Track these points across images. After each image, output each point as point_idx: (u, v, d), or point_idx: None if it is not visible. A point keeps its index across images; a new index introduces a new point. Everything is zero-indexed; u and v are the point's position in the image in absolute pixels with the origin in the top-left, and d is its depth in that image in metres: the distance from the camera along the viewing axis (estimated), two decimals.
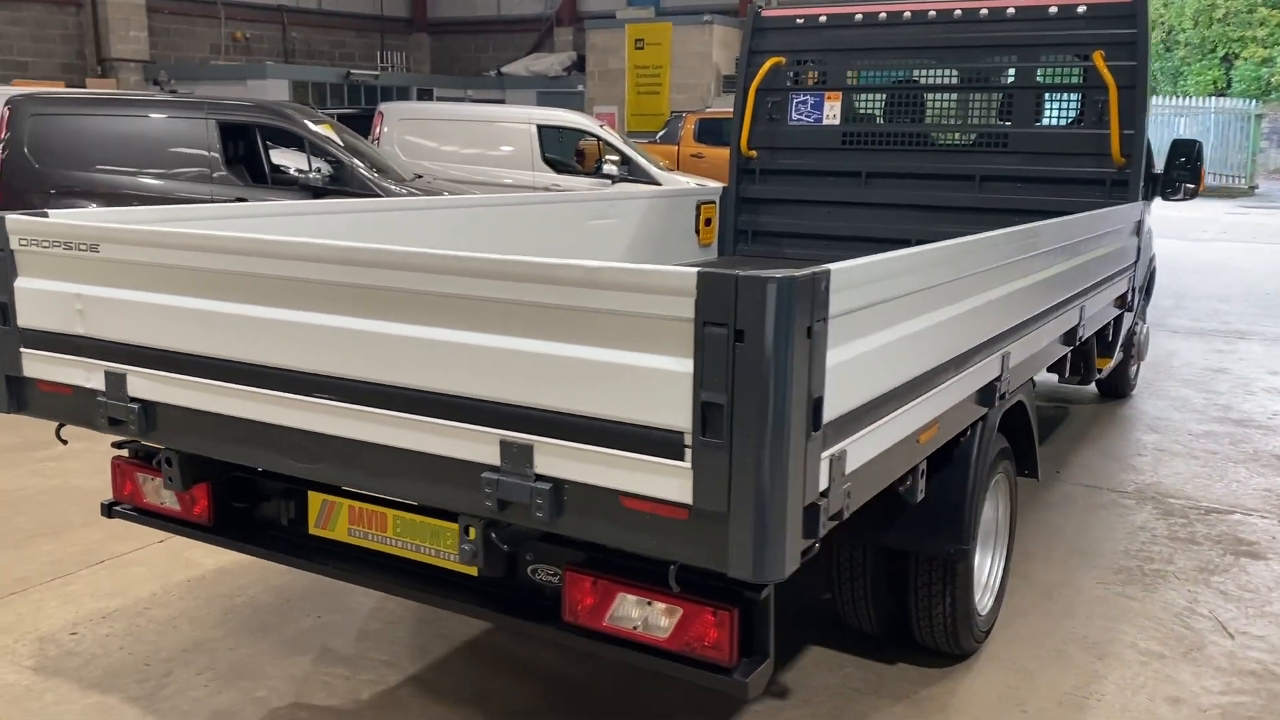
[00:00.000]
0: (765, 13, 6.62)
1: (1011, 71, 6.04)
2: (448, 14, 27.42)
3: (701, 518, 1.98)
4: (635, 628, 2.37)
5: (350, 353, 2.33)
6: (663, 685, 3.37)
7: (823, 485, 2.08)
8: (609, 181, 12.70)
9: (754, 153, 6.72)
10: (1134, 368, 7.36)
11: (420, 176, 11.60)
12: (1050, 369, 5.59)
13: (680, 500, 1.99)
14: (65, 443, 3.08)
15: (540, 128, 13.24)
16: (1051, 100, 5.94)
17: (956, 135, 6.25)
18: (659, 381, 1.96)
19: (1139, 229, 5.70)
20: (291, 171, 10.26)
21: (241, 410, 2.54)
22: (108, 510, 3.22)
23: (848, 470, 2.18)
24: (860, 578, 3.49)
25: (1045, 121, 5.97)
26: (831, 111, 6.54)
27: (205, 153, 9.90)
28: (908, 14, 6.20)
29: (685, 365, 1.94)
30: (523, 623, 2.54)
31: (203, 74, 20.59)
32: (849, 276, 2.05)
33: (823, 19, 6.44)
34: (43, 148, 9.86)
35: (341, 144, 10.18)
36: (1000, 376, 3.24)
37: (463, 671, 3.54)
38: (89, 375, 2.80)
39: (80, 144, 9.92)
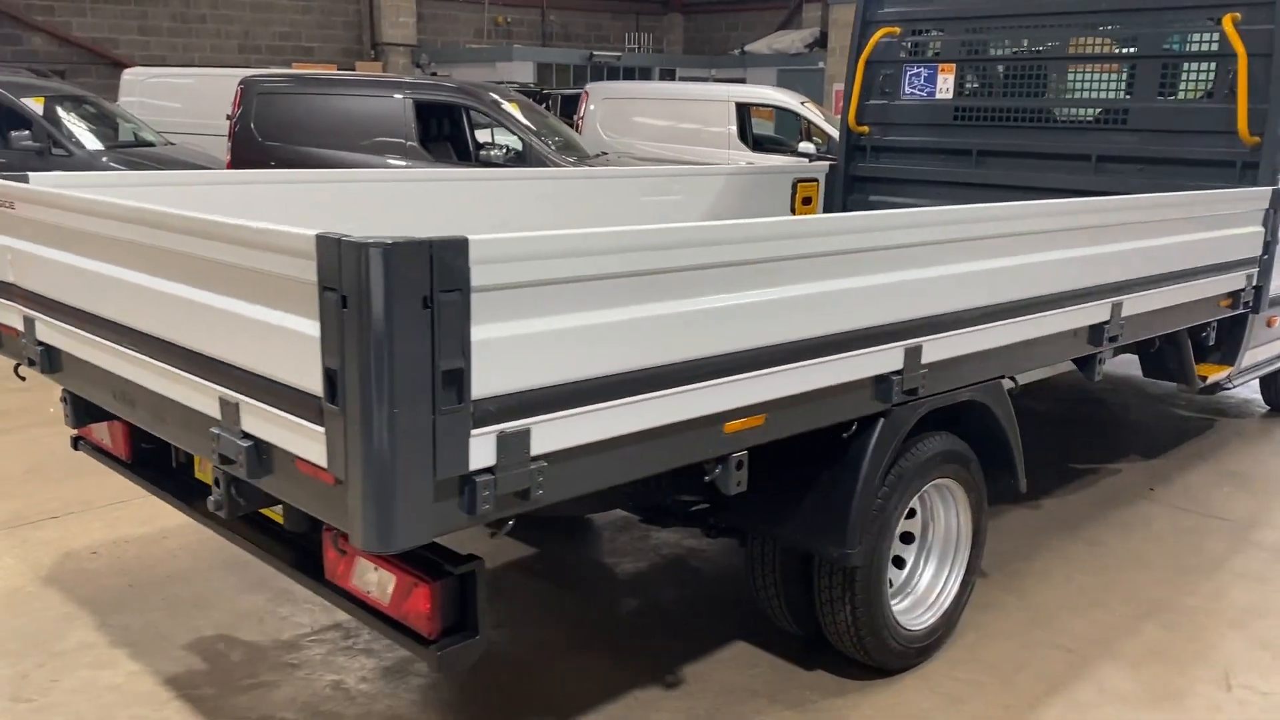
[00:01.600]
0: None
1: (1135, 39, 5.38)
2: None
3: (339, 483, 1.98)
4: (370, 591, 2.40)
5: (128, 303, 2.50)
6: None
7: (483, 462, 2.02)
8: (806, 160, 12.39)
9: (866, 129, 6.40)
10: None
11: (605, 154, 11.88)
12: (1148, 368, 5.04)
13: (320, 464, 2.00)
14: (24, 379, 3.46)
15: (740, 105, 13.13)
16: (1177, 71, 5.24)
17: (1072, 110, 5.65)
18: (299, 344, 1.98)
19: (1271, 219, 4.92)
20: (479, 148, 10.76)
21: (90, 356, 2.78)
22: (74, 443, 3.59)
23: (535, 450, 2.10)
24: (771, 573, 3.31)
25: (1170, 95, 5.28)
26: (945, 85, 6.11)
27: (401, 129, 10.55)
28: None
29: (315, 329, 1.95)
30: (302, 576, 2.62)
31: (459, 57, 21.91)
32: (493, 250, 1.96)
33: None
34: (265, 124, 10.87)
35: (525, 122, 10.58)
36: (901, 372, 2.95)
37: None
38: (15, 319, 3.14)
39: (296, 121, 10.87)
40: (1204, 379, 4.98)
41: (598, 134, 13.50)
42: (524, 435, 2.08)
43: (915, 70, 6.20)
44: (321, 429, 1.98)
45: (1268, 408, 6.41)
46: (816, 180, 6.42)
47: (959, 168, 6.03)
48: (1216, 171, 5.11)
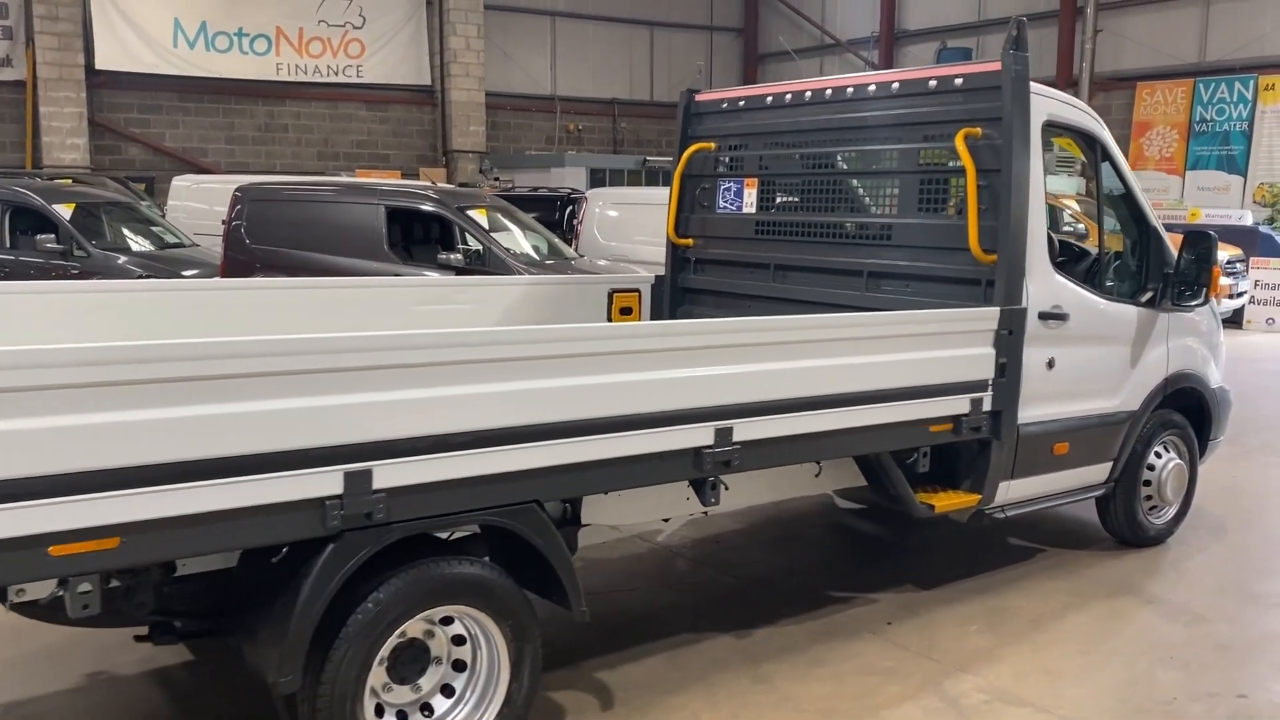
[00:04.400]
0: (699, 96, 6.34)
1: (893, 155, 5.29)
2: None
3: None
4: None
5: None
6: None
7: None
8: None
9: (690, 240, 6.42)
10: (1166, 509, 5.93)
11: (583, 257, 12.14)
12: (873, 492, 4.85)
13: None
14: None
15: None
16: (934, 187, 5.12)
17: (848, 226, 5.56)
18: None
19: (996, 340, 4.66)
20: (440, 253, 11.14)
21: None
22: None
23: None
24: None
25: (926, 210, 5.14)
26: (750, 199, 6.10)
27: (373, 234, 11.05)
28: (808, 94, 5.67)
29: None
30: None
31: (521, 163, 22.79)
32: None
33: (742, 102, 6.05)
34: (255, 229, 11.55)
35: (486, 228, 10.96)
36: (342, 497, 2.97)
37: None
38: None
39: (283, 226, 11.52)
40: (931, 506, 4.73)
41: (594, 238, 13.81)
42: None
43: (727, 184, 6.22)
44: None
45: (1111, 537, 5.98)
46: (638, 291, 6.45)
47: (762, 281, 5.99)
48: (962, 289, 4.94)
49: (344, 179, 16.42)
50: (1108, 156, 5.39)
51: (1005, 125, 4.68)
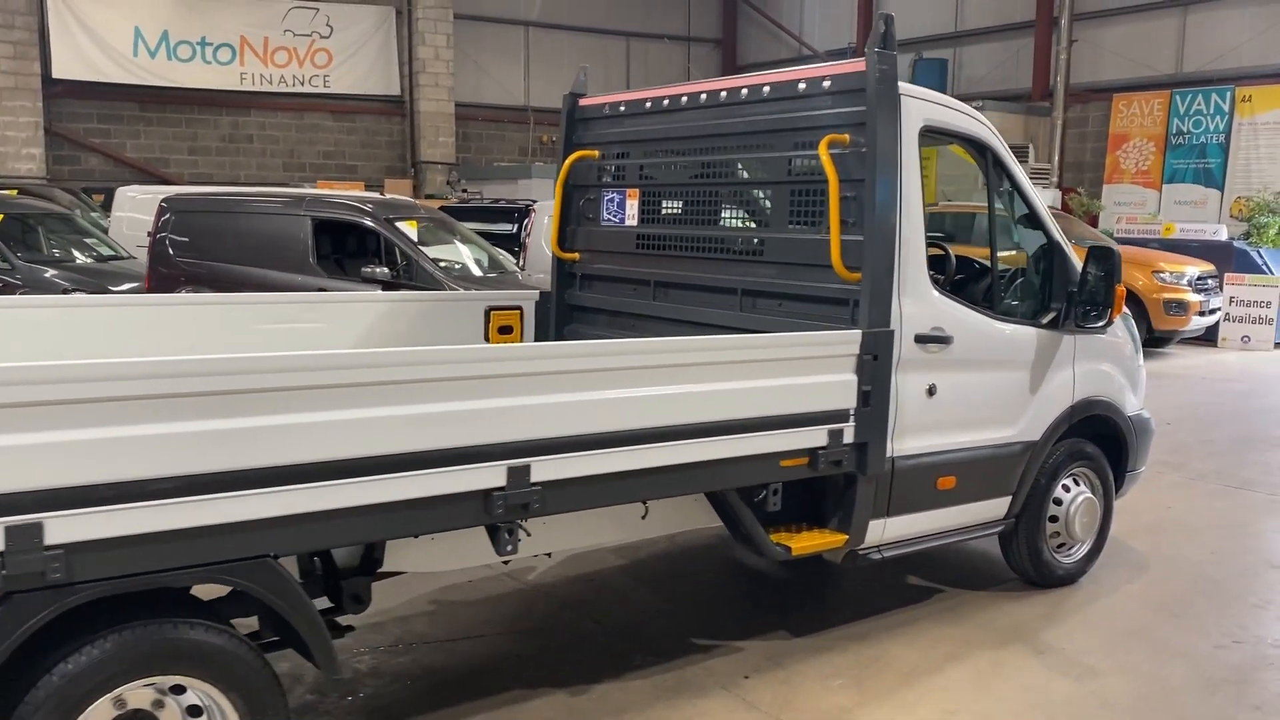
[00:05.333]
0: (583, 101, 5.93)
1: (765, 163, 4.88)
2: None
3: None
4: None
5: None
6: None
7: None
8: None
9: (575, 255, 6.01)
10: (1076, 547, 5.49)
11: (524, 271, 11.75)
12: (731, 533, 4.41)
13: None
14: None
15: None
16: (802, 198, 4.70)
17: (723, 240, 5.15)
18: None
19: (860, 366, 4.23)
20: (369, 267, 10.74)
21: None
22: None
23: None
24: None
25: (797, 224, 4.73)
26: (631, 211, 5.69)
27: (299, 247, 10.66)
28: (685, 99, 5.27)
29: None
30: None
31: (490, 174, 22.43)
32: None
33: (622, 107, 5.65)
34: (179, 242, 11.18)
35: (414, 241, 10.57)
36: (3, 554, 2.54)
37: None
38: None
39: (207, 238, 11.16)
40: (787, 549, 4.29)
41: (542, 250, 13.39)
42: None
43: (610, 195, 5.81)
44: None
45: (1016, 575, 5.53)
46: (519, 309, 6.03)
47: (644, 299, 5.58)
48: (830, 309, 4.53)
49: (285, 190, 15.99)
50: (1001, 165, 4.98)
51: (870, 131, 4.27)
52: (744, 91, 4.93)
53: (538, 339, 6.05)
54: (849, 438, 4.26)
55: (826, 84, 4.53)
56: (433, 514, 3.26)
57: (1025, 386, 5.06)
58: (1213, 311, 15.06)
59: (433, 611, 5.01)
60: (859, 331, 4.23)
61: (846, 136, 4.39)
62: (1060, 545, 5.45)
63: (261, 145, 22.14)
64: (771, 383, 3.98)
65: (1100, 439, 5.56)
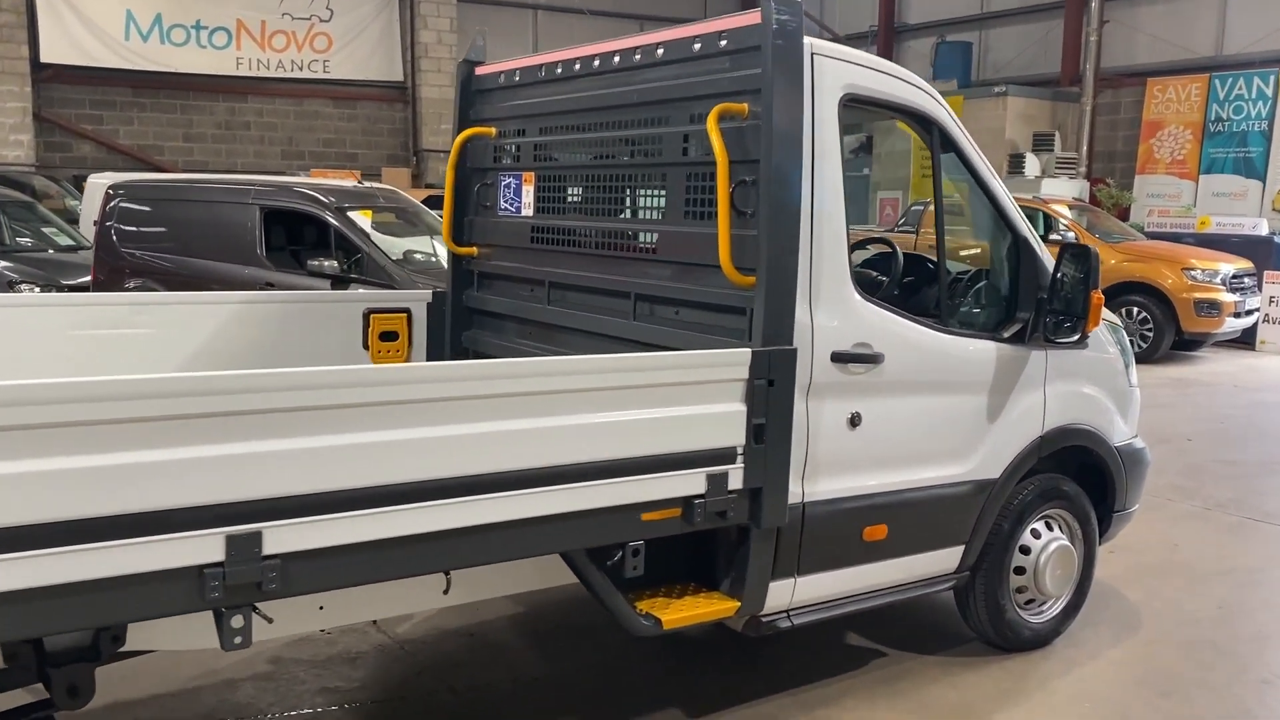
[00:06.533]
0: (479, 70, 5.10)
1: (658, 140, 4.01)
2: None
3: None
4: None
5: None
6: None
7: None
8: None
9: (473, 250, 5.18)
10: (1049, 603, 4.59)
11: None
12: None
13: None
14: None
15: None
16: (700, 183, 3.83)
17: (617, 234, 4.29)
18: None
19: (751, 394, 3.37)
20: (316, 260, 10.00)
21: None
22: None
23: None
24: None
25: (693, 215, 3.86)
26: (528, 198, 4.85)
27: (248, 237, 9.96)
28: (578, 64, 4.42)
29: None
30: None
31: None
32: None
33: (518, 75, 4.81)
34: (125, 231, 10.50)
35: (367, 232, 9.81)
36: None
37: None
38: None
39: (154, 227, 10.51)
40: (657, 621, 3.43)
41: None
42: None
43: (507, 180, 4.97)
44: None
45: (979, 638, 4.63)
46: (405, 312, 5.20)
47: (539, 304, 4.74)
48: (736, 319, 3.66)
49: (236, 177, 15.11)
50: (950, 145, 4.07)
51: (767, 97, 3.40)
52: (637, 55, 4.07)
53: (432, 348, 5.24)
54: (736, 482, 3.39)
55: (723, 42, 3.66)
56: (123, 599, 2.45)
57: (980, 413, 4.16)
58: (1250, 312, 13.91)
59: (268, 675, 4.22)
60: (748, 350, 3.36)
61: (744, 106, 3.52)
62: (1028, 602, 4.54)
63: (259, 132, 21.48)
64: (625, 416, 3.13)
65: (1081, 474, 4.66)
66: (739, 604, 3.58)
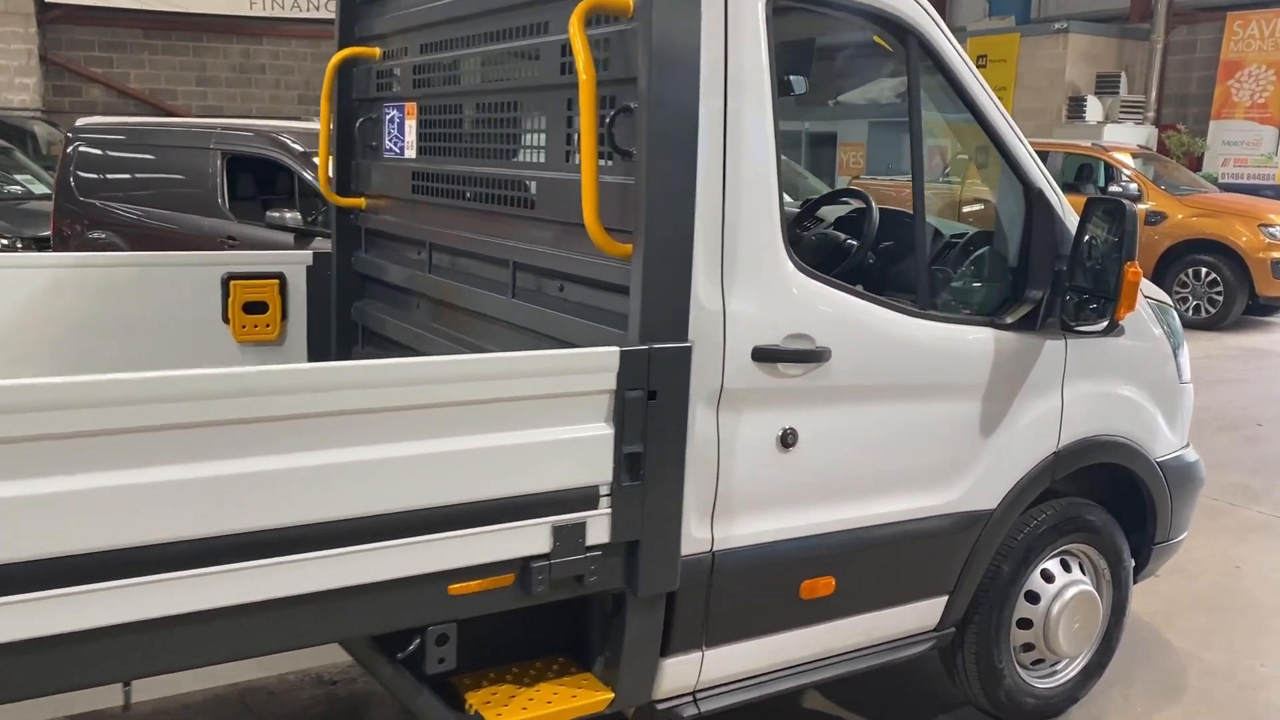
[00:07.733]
0: None
1: (536, 61, 2.99)
2: None
3: None
4: None
5: None
6: None
7: None
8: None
9: (360, 201, 4.21)
10: (1064, 665, 3.56)
11: None
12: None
13: None
14: None
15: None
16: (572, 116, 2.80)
17: (495, 181, 3.28)
18: None
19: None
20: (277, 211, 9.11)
21: None
22: None
23: None
24: None
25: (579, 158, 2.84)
26: (410, 136, 3.86)
27: (208, 186, 9.12)
28: None
29: None
30: None
31: None
32: None
33: None
34: (84, 179, 9.73)
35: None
36: None
37: None
38: None
39: (113, 174, 9.74)
40: (471, 711, 2.48)
41: None
42: None
43: (391, 113, 3.98)
44: None
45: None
46: (278, 278, 4.24)
47: (420, 270, 3.76)
48: (623, 300, 2.65)
49: (216, 121, 14.17)
50: (932, 58, 2.98)
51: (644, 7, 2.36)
52: None
53: (314, 322, 4.29)
54: (599, 535, 2.41)
55: None
56: None
57: (970, 426, 3.11)
58: None
59: None
60: (615, 350, 2.36)
61: (630, 3, 2.48)
62: (1036, 662, 3.52)
63: (275, 76, 20.59)
64: (414, 449, 2.16)
65: (1113, 495, 3.60)
66: (612, 695, 2.61)
